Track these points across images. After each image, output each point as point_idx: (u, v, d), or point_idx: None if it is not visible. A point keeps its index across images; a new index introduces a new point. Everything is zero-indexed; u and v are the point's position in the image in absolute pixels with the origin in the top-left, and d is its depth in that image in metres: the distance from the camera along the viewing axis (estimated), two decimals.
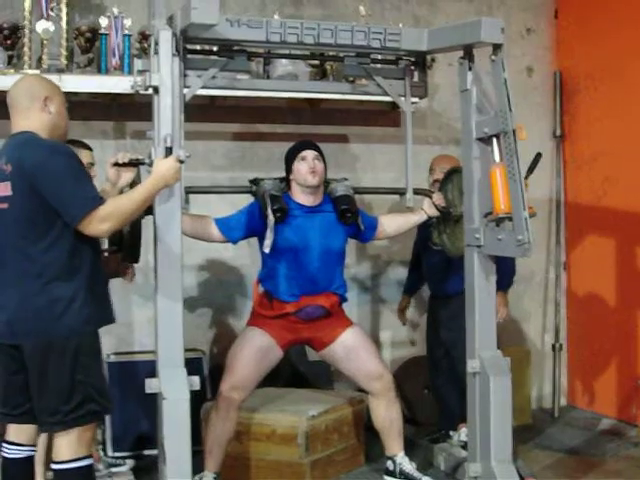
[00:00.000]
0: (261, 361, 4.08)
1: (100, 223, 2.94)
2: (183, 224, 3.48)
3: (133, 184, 3.37)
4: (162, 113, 3.33)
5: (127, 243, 3.57)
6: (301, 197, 4.16)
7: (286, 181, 4.20)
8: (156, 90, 3.36)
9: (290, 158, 4.19)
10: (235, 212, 4.18)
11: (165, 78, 3.31)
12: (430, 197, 4.25)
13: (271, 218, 3.98)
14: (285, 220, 4.04)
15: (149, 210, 3.33)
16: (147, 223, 3.53)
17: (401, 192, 4.30)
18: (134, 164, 3.35)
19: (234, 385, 4.02)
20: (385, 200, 5.56)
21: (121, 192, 3.32)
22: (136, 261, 3.78)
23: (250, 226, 4.11)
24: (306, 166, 4.10)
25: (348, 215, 4.14)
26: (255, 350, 4.07)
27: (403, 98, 4.16)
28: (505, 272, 4.21)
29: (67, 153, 3.03)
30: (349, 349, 4.19)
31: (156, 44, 3.33)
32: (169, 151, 3.22)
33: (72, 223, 2.95)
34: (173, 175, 3.14)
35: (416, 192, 4.32)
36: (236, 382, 4.02)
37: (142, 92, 3.50)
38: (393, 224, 4.40)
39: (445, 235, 4.32)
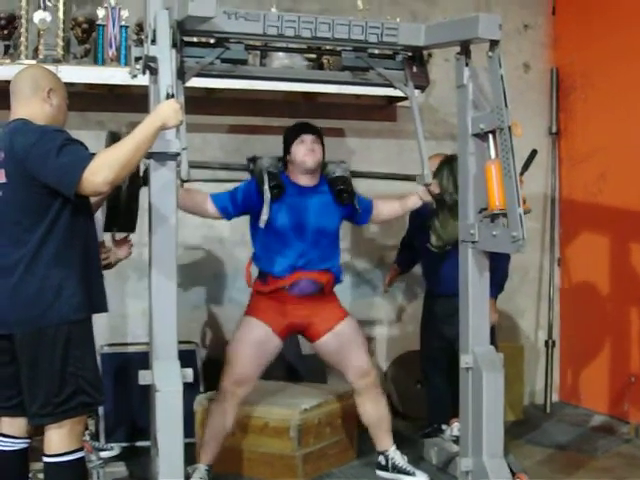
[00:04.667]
0: (261, 354, 4.10)
1: (93, 176, 2.82)
2: (178, 198, 3.43)
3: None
4: (162, 70, 3.17)
5: (123, 210, 3.50)
6: (298, 177, 4.18)
7: (284, 161, 4.22)
8: (152, 70, 3.30)
9: (289, 139, 4.20)
10: (232, 189, 4.18)
11: (163, 48, 3.22)
12: (426, 184, 4.23)
13: (268, 194, 4.02)
14: (281, 198, 4.07)
15: (145, 181, 3.27)
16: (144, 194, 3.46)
17: (397, 178, 4.35)
18: None
19: (237, 380, 4.04)
20: (381, 195, 5.58)
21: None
22: (132, 230, 3.67)
23: (246, 203, 4.13)
24: (304, 149, 4.13)
25: (345, 195, 4.19)
26: (254, 344, 4.09)
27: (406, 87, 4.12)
28: (496, 279, 4.20)
29: (55, 130, 3.00)
30: (342, 342, 4.20)
31: (153, 32, 3.29)
32: (171, 97, 3.07)
33: (71, 191, 2.87)
34: (174, 115, 2.95)
35: (409, 178, 4.43)
36: (238, 377, 4.04)
37: (140, 76, 3.47)
38: (388, 207, 4.43)
39: (437, 222, 4.34)
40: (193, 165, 3.81)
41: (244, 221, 5.31)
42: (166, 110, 2.96)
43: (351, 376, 4.24)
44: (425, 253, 4.65)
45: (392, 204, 4.42)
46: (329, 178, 4.24)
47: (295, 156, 4.15)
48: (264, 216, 4.02)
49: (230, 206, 4.12)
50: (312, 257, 4.12)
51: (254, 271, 4.24)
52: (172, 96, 3.05)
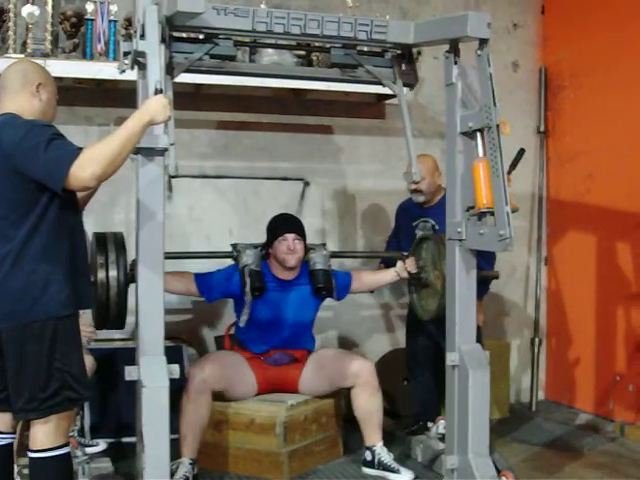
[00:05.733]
0: (237, 371, 4.29)
1: (81, 171, 2.81)
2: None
3: None
4: (151, 66, 3.16)
5: (114, 308, 3.58)
6: (279, 271, 4.37)
7: (266, 250, 4.38)
8: (141, 64, 3.30)
9: (272, 234, 4.36)
10: (215, 272, 4.35)
11: (152, 43, 3.20)
12: (403, 261, 4.43)
13: (249, 296, 4.20)
14: (262, 295, 4.26)
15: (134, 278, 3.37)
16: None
17: (378, 256, 4.93)
18: None
19: (204, 368, 4.13)
20: (369, 192, 5.59)
21: None
22: (122, 327, 3.75)
23: (227, 290, 4.35)
24: (286, 248, 4.29)
25: (324, 293, 4.40)
26: (237, 359, 4.33)
27: (394, 85, 4.13)
28: (482, 280, 4.21)
29: (43, 125, 2.99)
30: (322, 363, 4.41)
31: (142, 27, 3.28)
32: (159, 92, 3.05)
33: (58, 186, 2.86)
34: (162, 110, 2.94)
35: (390, 257, 4.67)
36: (208, 367, 4.14)
37: (128, 71, 3.47)
38: (366, 283, 4.63)
39: (415, 295, 4.49)
40: (177, 257, 4.07)
41: (231, 215, 5.34)
42: (154, 106, 2.95)
43: (346, 379, 4.34)
44: None
45: (369, 278, 4.63)
46: (310, 270, 4.39)
47: (276, 252, 4.32)
48: (244, 317, 4.24)
49: (213, 292, 4.34)
50: (288, 342, 4.39)
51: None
52: (160, 91, 3.04)
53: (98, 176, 2.85)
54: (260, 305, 4.27)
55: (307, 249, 4.41)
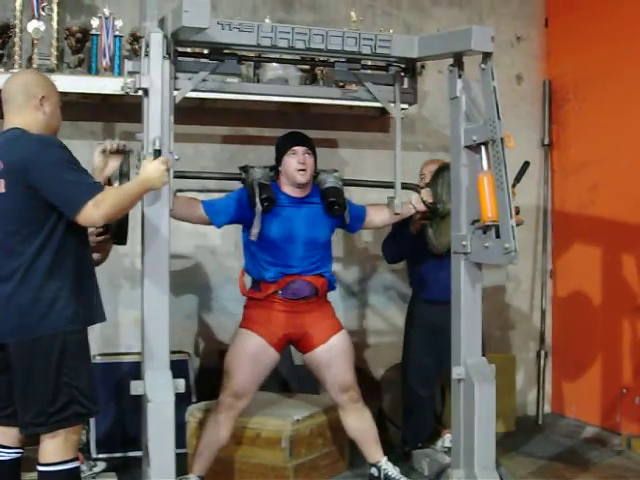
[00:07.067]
0: (258, 366, 4.08)
1: (96, 209, 2.92)
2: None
3: (121, 173, 3.42)
4: (151, 116, 3.32)
5: (114, 225, 3.45)
6: (289, 189, 4.16)
7: (275, 170, 4.19)
8: (146, 92, 3.36)
9: (281, 150, 4.18)
10: (224, 196, 4.17)
11: (155, 81, 3.30)
12: (418, 192, 4.27)
13: (259, 207, 4.00)
14: (272, 210, 4.05)
15: None
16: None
17: (391, 186, 4.33)
18: (121, 152, 3.40)
19: (236, 393, 4.03)
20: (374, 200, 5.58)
21: (108, 180, 3.37)
22: (124, 243, 3.59)
23: (237, 212, 4.12)
24: (296, 162, 4.09)
25: (336, 208, 4.17)
26: (250, 356, 4.07)
27: (392, 104, 4.16)
28: None
29: (58, 144, 3.03)
30: (333, 357, 4.18)
31: (147, 46, 3.33)
32: (157, 153, 3.20)
33: (72, 214, 2.93)
34: (159, 178, 3.10)
35: (405, 187, 4.34)
36: (236, 389, 4.03)
37: (132, 94, 3.50)
38: (380, 216, 4.40)
39: (431, 230, 4.33)
40: (184, 176, 3.87)
41: (236, 230, 5.31)
42: (152, 175, 3.10)
43: (332, 391, 4.20)
44: (423, 260, 4.58)
45: (384, 212, 4.38)
46: (321, 189, 4.21)
47: (286, 169, 4.12)
48: (255, 229, 4.02)
49: (221, 214, 4.11)
50: (304, 266, 4.11)
51: (247, 281, 4.23)
52: (159, 152, 3.21)
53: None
54: (271, 221, 4.06)
55: (317, 172, 4.24)
